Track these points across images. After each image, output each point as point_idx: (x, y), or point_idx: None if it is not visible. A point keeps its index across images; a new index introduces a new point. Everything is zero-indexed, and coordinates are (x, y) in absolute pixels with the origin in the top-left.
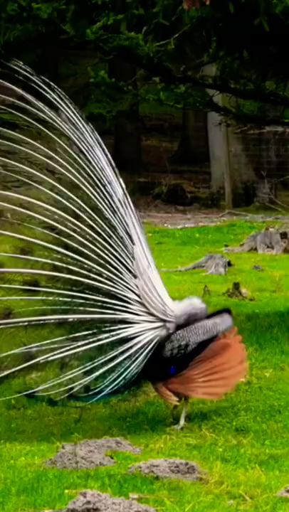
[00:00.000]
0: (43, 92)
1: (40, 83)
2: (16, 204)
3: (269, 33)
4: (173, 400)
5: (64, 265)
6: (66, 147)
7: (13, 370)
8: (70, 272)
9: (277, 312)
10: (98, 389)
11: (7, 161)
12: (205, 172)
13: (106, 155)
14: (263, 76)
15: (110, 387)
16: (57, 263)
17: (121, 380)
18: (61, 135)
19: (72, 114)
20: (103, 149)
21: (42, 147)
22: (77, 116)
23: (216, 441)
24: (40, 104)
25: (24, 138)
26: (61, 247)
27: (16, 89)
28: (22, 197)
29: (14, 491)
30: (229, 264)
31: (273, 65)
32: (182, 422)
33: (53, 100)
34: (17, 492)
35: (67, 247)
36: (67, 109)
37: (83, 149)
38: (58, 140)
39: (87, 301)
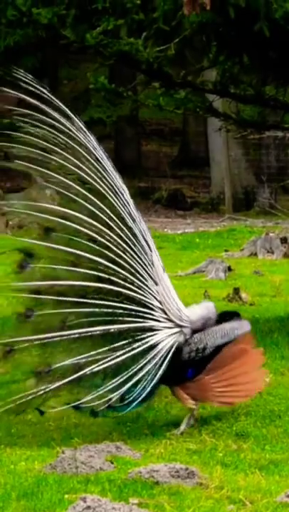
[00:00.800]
0: (53, 100)
1: (45, 91)
2: (62, 217)
3: (269, 38)
4: (190, 403)
5: (106, 276)
6: (88, 156)
7: (64, 381)
8: (112, 282)
9: (277, 317)
10: (131, 398)
11: (46, 172)
12: (205, 177)
13: (109, 161)
14: (263, 81)
15: (142, 395)
16: (102, 274)
17: (149, 388)
18: (80, 144)
19: (78, 121)
20: (106, 156)
21: (71, 157)
22: (81, 123)
23: (216, 446)
24: (56, 114)
25: (54, 148)
26: (103, 258)
27: (30, 99)
28: (67, 210)
29: (14, 496)
30: (229, 269)
31: (273, 70)
32: (183, 427)
33: (65, 108)
34: (17, 497)
35: (106, 257)
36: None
37: (98, 157)
38: (80, 149)
39: (125, 311)
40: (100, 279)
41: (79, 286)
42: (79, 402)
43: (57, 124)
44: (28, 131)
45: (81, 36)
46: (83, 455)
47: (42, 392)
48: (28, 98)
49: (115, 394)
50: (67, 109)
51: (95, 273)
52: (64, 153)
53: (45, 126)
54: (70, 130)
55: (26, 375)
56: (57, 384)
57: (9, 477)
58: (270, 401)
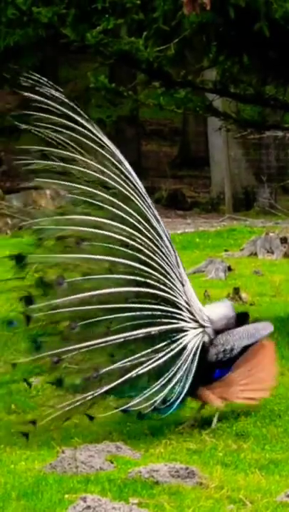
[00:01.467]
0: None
1: (57, 94)
2: (92, 226)
3: (269, 38)
4: (218, 403)
5: (142, 279)
6: (111, 159)
7: (111, 385)
8: (148, 285)
9: (277, 317)
10: (173, 399)
11: (70, 184)
12: (205, 177)
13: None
14: (263, 81)
15: (181, 395)
16: (138, 278)
17: (186, 388)
18: (102, 147)
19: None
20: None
21: (94, 162)
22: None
23: (216, 446)
24: (77, 117)
25: (75, 156)
26: (137, 262)
27: (47, 100)
28: (96, 218)
29: (14, 496)
30: (229, 268)
31: (273, 70)
32: (214, 425)
33: (80, 111)
34: (17, 497)
35: (140, 261)
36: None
37: (121, 159)
38: (103, 152)
39: (162, 313)
40: (137, 283)
41: (120, 293)
42: (127, 406)
43: (78, 127)
44: (48, 137)
45: (81, 35)
46: (83, 455)
47: (90, 397)
48: (44, 99)
49: (160, 396)
50: (82, 112)
51: (132, 277)
52: (86, 159)
53: (66, 131)
54: (91, 132)
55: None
56: (105, 388)
57: (9, 477)
58: (270, 401)
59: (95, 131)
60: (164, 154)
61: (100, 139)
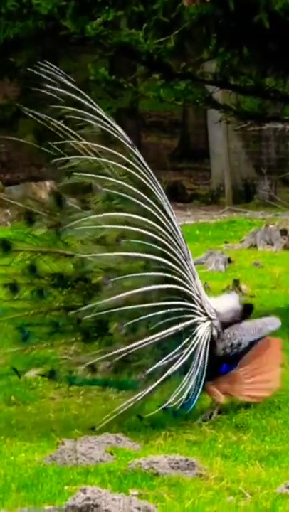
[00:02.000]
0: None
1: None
2: (126, 223)
3: (269, 30)
4: (221, 398)
5: (170, 276)
6: (134, 150)
7: (154, 385)
8: (174, 281)
9: (277, 309)
10: (192, 394)
11: (105, 178)
12: (205, 169)
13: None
14: (263, 73)
15: (199, 390)
16: (167, 275)
17: (202, 382)
18: (124, 138)
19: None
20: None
21: (119, 154)
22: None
23: (216, 438)
24: (100, 111)
25: (103, 147)
26: (165, 258)
27: (75, 96)
28: (130, 215)
29: (14, 487)
30: (229, 260)
31: (273, 62)
32: (214, 415)
33: (97, 106)
34: (17, 488)
35: (167, 257)
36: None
37: (136, 152)
38: (126, 144)
39: (186, 309)
40: (166, 280)
41: (155, 291)
42: (167, 404)
43: (101, 120)
44: (81, 133)
45: (81, 27)
46: (83, 446)
47: (140, 397)
48: (73, 96)
49: (187, 391)
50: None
51: (163, 274)
52: (113, 151)
53: (97, 124)
54: (110, 124)
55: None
56: (150, 388)
57: (9, 468)
58: None
59: (112, 123)
60: (164, 146)
61: (119, 131)
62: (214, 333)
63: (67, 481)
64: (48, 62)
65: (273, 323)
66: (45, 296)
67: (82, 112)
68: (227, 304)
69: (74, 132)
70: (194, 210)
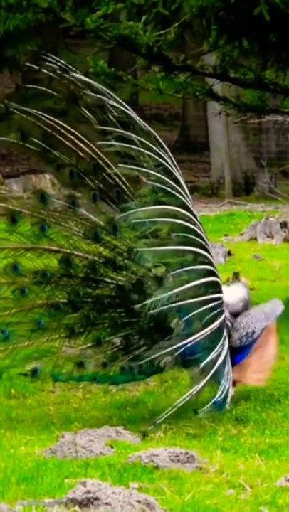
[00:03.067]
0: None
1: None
2: (173, 217)
3: (269, 22)
4: (233, 389)
5: (211, 268)
6: (161, 142)
7: (206, 378)
8: (214, 274)
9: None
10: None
11: (149, 171)
12: (205, 161)
13: None
14: (263, 65)
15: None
16: (209, 267)
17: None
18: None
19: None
20: None
21: (153, 146)
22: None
23: (216, 431)
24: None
25: (139, 138)
26: (206, 251)
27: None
28: (176, 208)
29: (14, 480)
30: (229, 253)
31: (273, 54)
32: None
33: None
34: (17, 481)
35: (206, 250)
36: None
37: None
38: (156, 136)
39: (221, 300)
40: (209, 273)
41: (204, 284)
42: (216, 397)
43: (129, 112)
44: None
45: (81, 20)
46: (83, 439)
47: (195, 392)
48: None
49: (228, 384)
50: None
51: (206, 267)
52: (147, 142)
53: (123, 115)
54: (136, 116)
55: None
56: (203, 382)
57: (9, 461)
58: (270, 385)
59: (132, 113)
60: (164, 139)
61: (143, 123)
62: (228, 323)
63: (68, 474)
64: (50, 55)
65: (278, 306)
66: (27, 294)
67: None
68: (236, 294)
69: (69, 128)
70: (194, 202)
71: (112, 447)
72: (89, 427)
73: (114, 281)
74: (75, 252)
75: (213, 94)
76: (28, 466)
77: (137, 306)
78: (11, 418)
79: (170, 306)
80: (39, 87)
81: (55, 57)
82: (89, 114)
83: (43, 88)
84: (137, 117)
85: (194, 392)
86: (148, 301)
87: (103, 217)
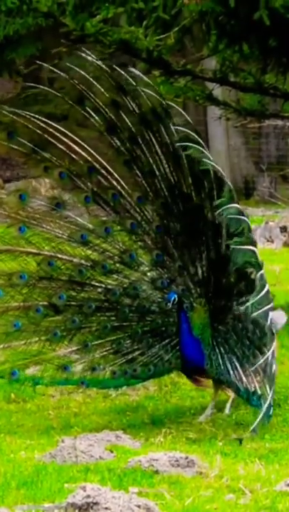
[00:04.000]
0: None
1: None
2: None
3: (269, 27)
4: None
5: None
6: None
7: (273, 385)
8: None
9: (277, 306)
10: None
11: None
12: None
13: None
14: (262, 69)
15: None
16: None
17: None
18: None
19: None
20: None
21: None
22: None
23: (216, 435)
24: None
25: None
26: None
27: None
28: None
29: (14, 485)
30: None
31: (273, 59)
32: (208, 412)
33: None
34: (17, 486)
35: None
36: None
37: None
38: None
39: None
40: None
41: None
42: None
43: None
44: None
45: (81, 24)
46: (83, 444)
47: (270, 398)
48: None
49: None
50: None
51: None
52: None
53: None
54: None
55: None
56: (272, 388)
57: (9, 466)
58: None
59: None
60: None
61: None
62: None
63: (67, 478)
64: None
65: (282, 318)
66: (1, 296)
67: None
68: (283, 318)
69: (63, 129)
70: None
71: (111, 452)
72: (89, 432)
73: (103, 285)
74: (59, 255)
75: (213, 98)
76: (28, 471)
77: (242, 309)
78: (10, 423)
79: (264, 309)
80: (41, 87)
81: (89, 54)
82: (95, 116)
83: (45, 88)
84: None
85: (270, 399)
86: (248, 304)
87: (94, 219)
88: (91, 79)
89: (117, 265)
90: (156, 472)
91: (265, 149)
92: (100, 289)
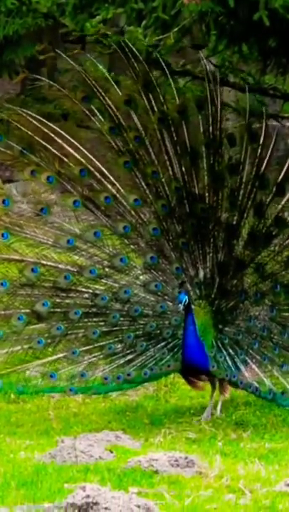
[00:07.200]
0: None
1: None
2: None
3: (269, 27)
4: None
5: None
6: None
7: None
8: None
9: None
10: None
11: None
12: None
13: None
14: (262, 70)
15: None
16: None
17: None
18: None
19: None
20: None
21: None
22: None
23: (216, 436)
24: None
25: None
26: None
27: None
28: None
29: (14, 485)
30: None
31: (273, 59)
32: (207, 413)
33: None
34: (17, 486)
35: None
36: None
37: None
38: None
39: None
40: None
41: None
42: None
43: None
44: None
45: (81, 25)
46: (83, 444)
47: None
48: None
49: None
50: None
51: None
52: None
53: None
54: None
55: None
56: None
57: (9, 466)
58: None
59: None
60: None
61: None
62: None
63: (67, 478)
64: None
65: None
66: None
67: None
68: None
69: (62, 132)
70: None
71: (111, 452)
72: (88, 432)
73: (90, 290)
74: (43, 261)
75: None
76: (28, 471)
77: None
78: (10, 423)
79: None
80: (44, 79)
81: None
82: (98, 115)
83: (50, 81)
84: None
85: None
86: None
87: (82, 224)
88: (107, 74)
89: (106, 270)
90: (156, 472)
91: None
92: (86, 295)
